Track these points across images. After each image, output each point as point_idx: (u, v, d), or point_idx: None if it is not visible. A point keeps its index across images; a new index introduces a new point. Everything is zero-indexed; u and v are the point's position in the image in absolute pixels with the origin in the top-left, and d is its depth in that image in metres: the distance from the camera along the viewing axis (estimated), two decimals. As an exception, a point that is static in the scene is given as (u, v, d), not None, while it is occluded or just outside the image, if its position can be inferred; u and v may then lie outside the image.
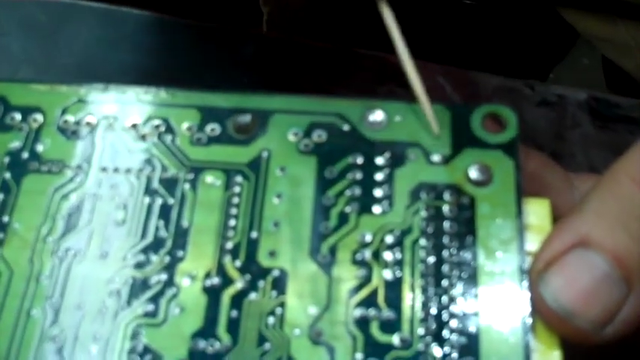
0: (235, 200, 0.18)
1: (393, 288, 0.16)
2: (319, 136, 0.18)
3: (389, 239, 0.17)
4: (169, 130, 0.18)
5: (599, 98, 0.33)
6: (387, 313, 0.16)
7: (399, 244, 0.17)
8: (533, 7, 0.48)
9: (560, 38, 0.53)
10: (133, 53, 0.31)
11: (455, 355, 0.16)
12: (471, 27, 0.51)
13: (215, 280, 0.17)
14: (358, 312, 0.16)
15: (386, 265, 0.17)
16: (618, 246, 0.15)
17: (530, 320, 0.16)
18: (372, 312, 0.16)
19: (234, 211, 0.17)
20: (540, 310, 0.16)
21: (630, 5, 0.39)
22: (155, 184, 0.18)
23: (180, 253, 0.17)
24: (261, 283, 0.17)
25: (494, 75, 0.33)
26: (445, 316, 0.16)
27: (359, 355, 0.16)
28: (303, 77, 0.32)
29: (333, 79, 0.32)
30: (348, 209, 0.17)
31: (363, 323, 0.16)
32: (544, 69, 0.56)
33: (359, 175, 0.18)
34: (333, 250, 0.17)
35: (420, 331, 0.16)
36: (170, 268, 0.17)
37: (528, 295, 0.16)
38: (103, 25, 0.31)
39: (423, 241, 0.17)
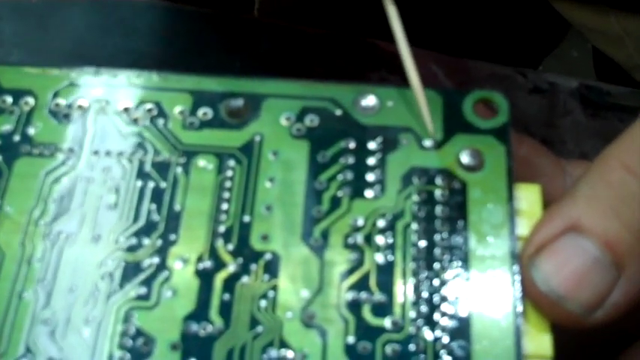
0: (228, 184, 0.18)
1: (385, 272, 0.16)
2: (312, 120, 0.18)
3: (381, 223, 0.17)
4: (161, 113, 0.18)
5: (591, 86, 0.33)
6: (379, 297, 0.16)
7: (391, 228, 0.17)
8: None
9: (551, 30, 0.54)
10: (126, 38, 0.30)
11: (446, 338, 0.16)
12: (464, 16, 0.51)
13: (207, 264, 0.17)
14: (350, 295, 0.16)
15: (378, 248, 0.17)
16: (609, 231, 0.16)
17: (521, 304, 0.16)
18: (363, 295, 0.16)
19: (226, 194, 0.17)
20: (531, 294, 0.16)
21: None
22: (147, 168, 0.18)
23: (172, 237, 0.17)
24: (253, 267, 0.17)
25: (487, 62, 0.33)
26: (436, 299, 0.16)
27: (351, 338, 0.16)
28: (295, 63, 0.32)
29: (325, 65, 0.32)
30: (340, 193, 0.17)
31: (354, 306, 0.16)
32: (534, 60, 0.56)
33: (351, 160, 0.18)
34: (325, 234, 0.17)
35: (412, 314, 0.16)
36: (162, 252, 0.17)
37: (519, 279, 0.16)
38: (95, 9, 0.31)
39: (414, 226, 0.17)
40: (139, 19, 0.31)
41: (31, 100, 0.19)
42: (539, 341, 0.16)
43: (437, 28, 0.47)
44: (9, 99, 0.19)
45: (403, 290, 0.16)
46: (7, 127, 0.18)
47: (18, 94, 0.19)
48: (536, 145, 0.21)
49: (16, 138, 0.18)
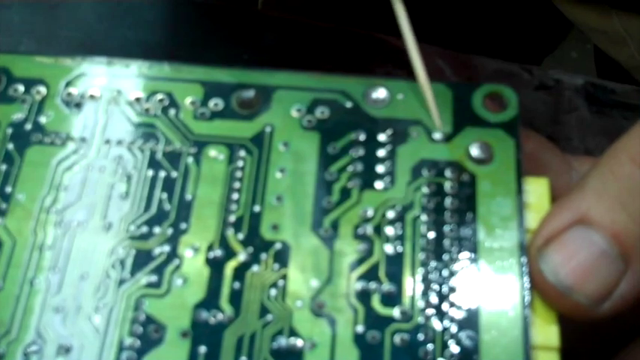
0: (238, 174, 0.18)
1: (394, 262, 0.17)
2: (322, 112, 0.18)
3: (390, 214, 0.17)
4: (173, 104, 0.19)
5: (596, 84, 0.33)
6: (388, 287, 0.16)
7: (400, 219, 0.17)
8: None
9: (552, 29, 0.54)
10: (134, 29, 0.30)
11: (454, 328, 0.16)
12: (467, 13, 0.51)
13: (218, 253, 0.17)
14: (359, 285, 0.16)
15: (387, 239, 0.17)
16: (617, 224, 0.16)
17: (528, 295, 0.16)
18: (372, 285, 0.16)
19: (237, 184, 0.18)
20: (539, 285, 0.16)
21: None
22: (159, 158, 0.18)
23: (183, 226, 0.17)
24: (263, 256, 0.17)
25: (493, 59, 0.33)
26: (445, 290, 0.16)
27: (360, 327, 0.16)
28: (301, 56, 0.32)
29: (331, 59, 0.32)
30: (350, 184, 0.17)
31: (364, 296, 0.16)
32: (534, 59, 0.56)
33: (361, 152, 0.18)
34: (335, 225, 0.17)
35: (421, 304, 0.16)
36: (173, 240, 0.17)
37: (527, 270, 0.16)
38: (105, 0, 0.31)
39: (424, 217, 0.17)
40: (148, 10, 0.31)
41: (42, 89, 0.19)
42: (547, 332, 0.16)
43: (442, 25, 0.47)
44: (21, 88, 0.19)
45: (412, 280, 0.16)
46: (18, 116, 0.19)
47: (30, 83, 0.19)
48: (542, 140, 0.21)
49: (28, 127, 0.18)
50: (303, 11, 0.43)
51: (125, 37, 0.30)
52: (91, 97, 0.19)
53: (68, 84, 0.19)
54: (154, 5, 0.31)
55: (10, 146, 0.18)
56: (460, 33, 0.48)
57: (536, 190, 0.17)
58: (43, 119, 0.19)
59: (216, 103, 0.18)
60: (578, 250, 0.16)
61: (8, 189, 0.18)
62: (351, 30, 0.33)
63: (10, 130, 0.18)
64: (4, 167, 0.18)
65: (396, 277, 0.16)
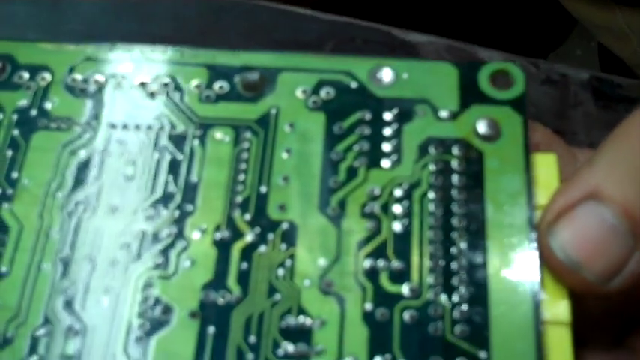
0: (244, 156, 0.18)
1: (402, 239, 0.16)
2: (327, 93, 0.18)
3: (398, 193, 0.17)
4: (177, 87, 0.19)
5: (602, 78, 0.33)
6: (396, 264, 0.16)
7: (407, 197, 0.17)
8: None
9: (556, 26, 0.54)
10: (139, 22, 0.31)
11: (464, 304, 0.16)
12: (471, 10, 0.51)
13: (225, 234, 0.17)
14: (368, 263, 0.16)
15: (395, 217, 0.17)
16: (628, 200, 0.15)
17: (538, 271, 0.16)
18: (381, 263, 0.16)
19: (243, 166, 0.17)
20: (548, 261, 0.16)
21: None
22: (164, 141, 0.18)
23: (189, 208, 0.17)
24: (270, 236, 0.17)
25: (500, 51, 0.33)
26: (454, 266, 0.16)
27: (368, 305, 0.16)
28: (308, 49, 0.32)
29: (338, 51, 0.32)
30: (356, 164, 0.17)
31: (372, 274, 0.16)
32: (539, 56, 0.56)
33: (367, 131, 0.18)
34: (342, 204, 0.17)
35: (429, 280, 0.16)
36: (180, 222, 0.17)
37: (536, 246, 0.16)
38: (108, -7, 0.31)
39: (431, 194, 0.17)
40: (152, 3, 0.31)
41: (47, 76, 0.19)
42: (557, 307, 0.16)
43: (449, 17, 0.47)
44: (26, 74, 0.19)
45: (420, 257, 0.16)
46: (23, 102, 0.19)
47: (35, 70, 0.19)
48: (548, 132, 0.21)
49: (34, 112, 0.18)
50: (306, 2, 0.43)
51: (129, 31, 0.30)
52: (96, 82, 0.19)
53: (72, 70, 0.19)
54: None
55: (16, 132, 0.18)
56: (466, 28, 0.48)
57: (545, 166, 0.17)
58: (48, 105, 0.19)
59: (221, 86, 0.18)
60: (587, 226, 0.16)
61: (15, 174, 0.18)
62: (360, 23, 0.33)
63: (15, 117, 0.18)
64: (10, 153, 0.18)
65: (404, 255, 0.16)
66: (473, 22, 0.50)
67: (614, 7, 0.41)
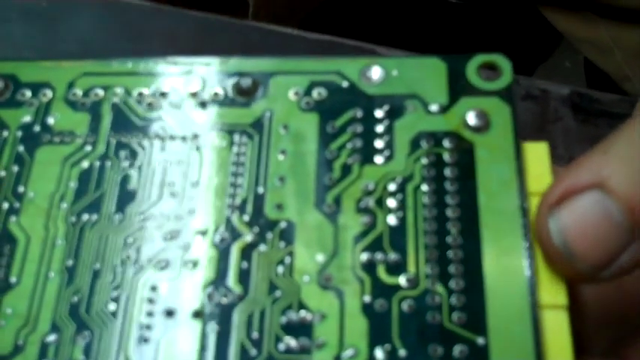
0: (241, 159, 0.18)
1: (398, 232, 0.17)
2: (319, 93, 0.19)
3: (391, 187, 0.17)
4: (174, 96, 0.19)
5: (582, 93, 0.33)
6: (393, 256, 0.16)
7: (401, 190, 0.17)
8: (518, 7, 0.49)
9: (543, 39, 0.54)
10: (133, 41, 0.31)
11: (461, 292, 0.16)
12: (458, 26, 0.51)
13: (225, 235, 0.17)
14: (365, 256, 0.17)
15: (389, 211, 0.17)
16: (636, 197, 0.15)
17: (532, 256, 0.16)
18: (378, 256, 0.17)
19: (240, 169, 0.18)
20: (544, 244, 0.16)
21: (610, 7, 0.40)
22: (163, 149, 0.18)
23: (190, 211, 0.18)
24: (269, 235, 0.17)
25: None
26: (450, 255, 0.16)
27: (367, 297, 0.16)
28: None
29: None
30: (350, 161, 0.18)
31: (369, 267, 0.16)
32: (527, 69, 0.56)
33: (359, 128, 0.18)
34: (337, 200, 0.17)
35: (426, 270, 0.16)
36: (181, 226, 0.17)
37: (529, 232, 0.16)
38: (103, 13, 0.32)
39: (424, 187, 0.17)
40: (146, 22, 0.32)
41: (48, 92, 0.19)
42: (554, 291, 0.16)
43: (432, 36, 0.48)
44: (28, 92, 0.19)
45: (416, 249, 0.16)
46: (27, 119, 0.19)
47: (36, 87, 0.19)
48: None
49: (37, 128, 0.19)
50: (293, 22, 0.43)
51: (124, 49, 0.30)
52: (95, 95, 0.19)
53: (72, 85, 0.19)
54: (152, 18, 0.32)
55: (21, 148, 0.19)
56: (453, 45, 0.48)
57: (536, 154, 0.17)
58: (50, 120, 0.19)
59: (215, 93, 0.19)
60: (590, 216, 0.15)
61: (21, 188, 0.18)
62: (344, 41, 0.33)
63: (19, 133, 0.19)
64: (15, 168, 0.19)
65: (400, 247, 0.17)
66: (459, 38, 0.51)
67: (599, 21, 0.41)
